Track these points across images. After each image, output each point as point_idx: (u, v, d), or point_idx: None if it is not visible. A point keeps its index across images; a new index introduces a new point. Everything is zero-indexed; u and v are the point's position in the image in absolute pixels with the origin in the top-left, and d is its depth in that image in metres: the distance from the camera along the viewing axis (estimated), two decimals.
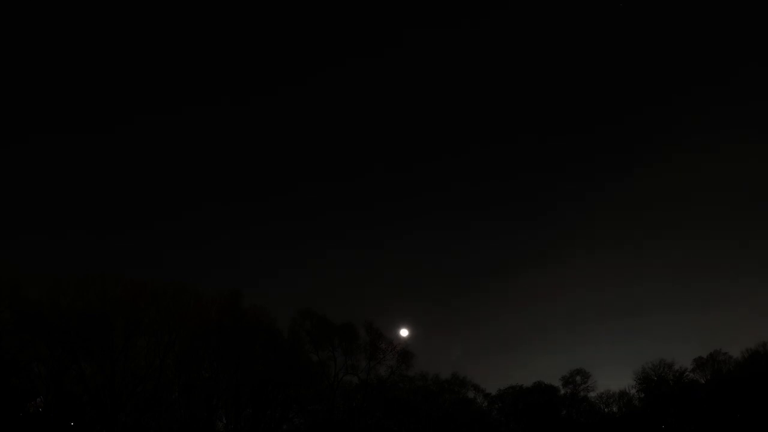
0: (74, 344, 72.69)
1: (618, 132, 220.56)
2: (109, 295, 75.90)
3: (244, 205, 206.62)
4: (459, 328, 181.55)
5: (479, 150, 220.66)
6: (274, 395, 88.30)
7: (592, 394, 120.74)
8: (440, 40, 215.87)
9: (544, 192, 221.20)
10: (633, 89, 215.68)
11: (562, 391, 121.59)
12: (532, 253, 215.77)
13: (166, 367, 78.91)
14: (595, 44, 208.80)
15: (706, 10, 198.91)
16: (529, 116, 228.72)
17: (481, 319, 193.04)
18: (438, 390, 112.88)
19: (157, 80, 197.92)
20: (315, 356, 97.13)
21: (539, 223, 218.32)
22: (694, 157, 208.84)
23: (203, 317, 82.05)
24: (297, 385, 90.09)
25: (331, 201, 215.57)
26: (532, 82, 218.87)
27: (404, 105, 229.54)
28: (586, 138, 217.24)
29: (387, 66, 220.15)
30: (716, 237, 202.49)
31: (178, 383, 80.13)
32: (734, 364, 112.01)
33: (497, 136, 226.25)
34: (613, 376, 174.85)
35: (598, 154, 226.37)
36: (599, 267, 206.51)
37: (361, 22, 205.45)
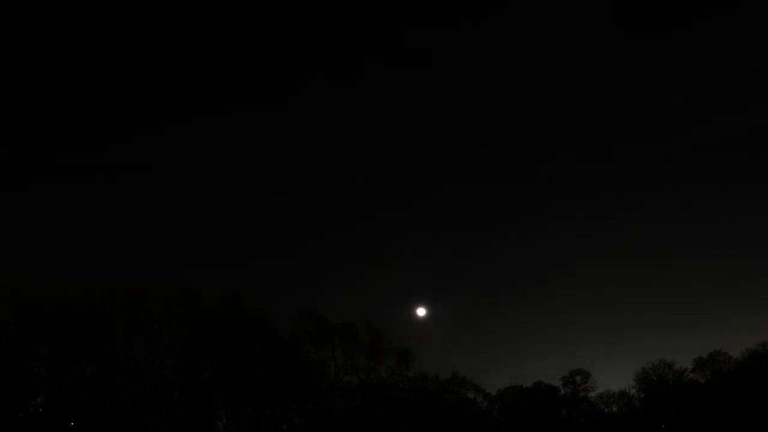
0: (74, 344, 72.57)
1: (624, 126, 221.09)
2: (109, 295, 75.82)
3: (246, 206, 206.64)
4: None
5: (482, 150, 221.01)
6: (274, 395, 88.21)
7: (592, 394, 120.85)
8: (440, 40, 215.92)
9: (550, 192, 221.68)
10: (633, 89, 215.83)
11: (562, 391, 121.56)
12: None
13: (166, 367, 78.75)
14: (595, 44, 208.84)
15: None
16: (529, 116, 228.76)
17: (482, 318, 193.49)
18: (438, 390, 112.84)
19: (167, 91, 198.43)
20: (315, 356, 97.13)
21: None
22: None
23: (203, 317, 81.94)
24: (297, 385, 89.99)
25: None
26: (532, 81, 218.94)
27: (403, 105, 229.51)
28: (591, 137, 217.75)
29: (387, 66, 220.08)
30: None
31: (178, 383, 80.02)
32: (734, 364, 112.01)
33: (497, 135, 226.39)
34: (613, 376, 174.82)
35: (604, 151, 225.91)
36: (600, 267, 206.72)
37: (361, 23, 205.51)
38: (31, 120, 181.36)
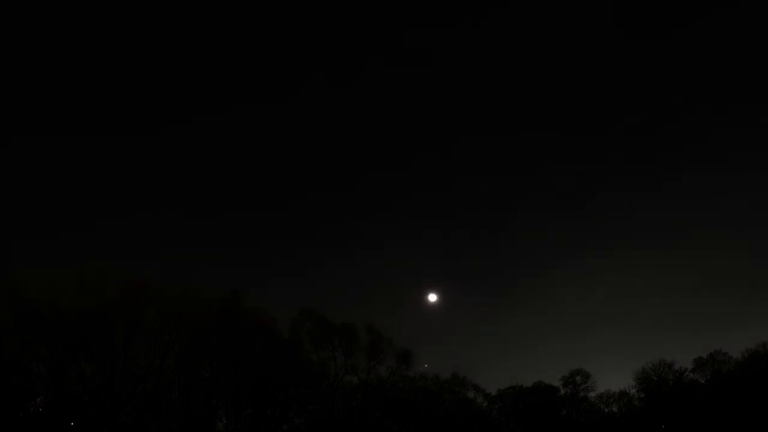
0: (74, 344, 72.46)
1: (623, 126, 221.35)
2: (109, 295, 75.78)
3: (246, 206, 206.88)
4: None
5: (478, 147, 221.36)
6: (274, 395, 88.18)
7: (592, 394, 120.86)
8: (440, 40, 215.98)
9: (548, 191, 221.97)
10: (633, 89, 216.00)
11: (562, 391, 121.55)
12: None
13: (166, 367, 78.69)
14: (595, 44, 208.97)
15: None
16: (529, 116, 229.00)
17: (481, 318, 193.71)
18: (438, 390, 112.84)
19: (167, 91, 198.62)
20: (315, 356, 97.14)
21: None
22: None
23: (203, 317, 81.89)
24: (297, 385, 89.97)
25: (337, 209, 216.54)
26: (532, 81, 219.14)
27: (403, 105, 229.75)
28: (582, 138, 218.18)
29: (387, 66, 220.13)
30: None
31: (178, 383, 79.98)
32: (734, 364, 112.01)
33: (495, 135, 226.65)
34: (614, 376, 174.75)
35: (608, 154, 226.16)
36: (598, 266, 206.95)
37: (361, 23, 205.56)
38: (30, 120, 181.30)
